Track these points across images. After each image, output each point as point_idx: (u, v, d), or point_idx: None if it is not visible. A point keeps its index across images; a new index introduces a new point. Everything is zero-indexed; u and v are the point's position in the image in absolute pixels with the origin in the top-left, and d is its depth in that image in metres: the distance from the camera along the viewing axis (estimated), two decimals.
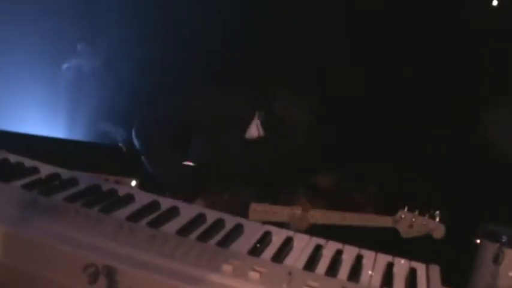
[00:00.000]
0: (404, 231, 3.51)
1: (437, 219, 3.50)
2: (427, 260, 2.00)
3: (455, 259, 3.70)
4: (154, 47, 4.66)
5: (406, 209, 3.51)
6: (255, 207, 3.34)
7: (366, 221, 3.48)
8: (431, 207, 3.46)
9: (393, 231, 3.47)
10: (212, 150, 3.38)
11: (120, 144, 3.74)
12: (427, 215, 3.50)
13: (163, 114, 3.38)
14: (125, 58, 4.74)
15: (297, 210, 3.39)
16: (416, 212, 3.52)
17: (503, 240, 3.59)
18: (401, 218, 3.51)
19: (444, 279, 1.95)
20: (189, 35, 4.52)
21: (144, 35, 4.67)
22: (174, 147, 3.44)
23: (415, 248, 3.36)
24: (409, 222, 3.51)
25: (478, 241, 3.73)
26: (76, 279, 1.54)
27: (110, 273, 1.52)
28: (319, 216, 3.44)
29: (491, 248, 3.64)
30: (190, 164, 3.38)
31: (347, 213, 3.47)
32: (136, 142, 3.37)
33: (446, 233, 3.66)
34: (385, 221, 3.50)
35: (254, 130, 3.38)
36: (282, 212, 3.38)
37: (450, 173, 3.99)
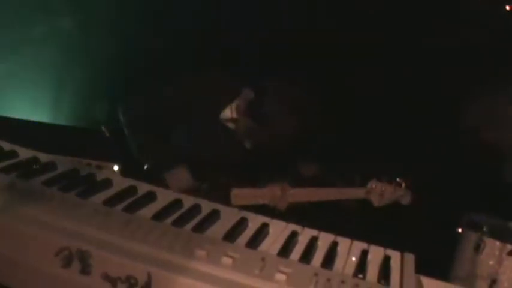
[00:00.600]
0: (377, 201, 3.60)
1: (403, 186, 3.60)
2: (408, 249, 2.04)
3: (437, 248, 3.77)
4: (144, 28, 4.66)
5: (375, 179, 3.60)
6: (236, 193, 3.36)
7: (341, 195, 3.56)
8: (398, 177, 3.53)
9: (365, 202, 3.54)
10: (194, 139, 3.38)
11: (103, 128, 3.75)
12: (394, 183, 3.59)
13: (149, 100, 3.37)
14: (114, 38, 4.74)
15: (277, 191, 3.43)
16: (385, 181, 3.61)
17: (485, 230, 3.64)
18: (372, 188, 3.60)
19: (425, 268, 1.99)
20: (181, 18, 4.52)
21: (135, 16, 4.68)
22: (158, 133, 3.44)
23: (397, 237, 3.41)
24: (379, 191, 3.60)
25: (460, 230, 3.78)
26: (49, 263, 1.55)
27: (84, 257, 1.54)
28: (298, 194, 3.49)
29: (473, 238, 3.69)
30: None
31: (324, 189, 3.52)
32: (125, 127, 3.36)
33: (429, 223, 3.72)
34: (358, 193, 3.58)
35: (228, 111, 3.41)
36: (263, 194, 3.41)
37: (433, 163, 4.03)
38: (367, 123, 4.29)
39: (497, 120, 3.41)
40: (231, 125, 3.41)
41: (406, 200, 3.65)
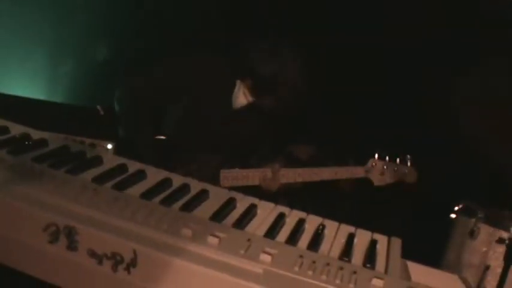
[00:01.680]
0: (377, 179, 3.59)
1: (409, 163, 3.58)
2: (400, 234, 2.07)
3: (429, 234, 3.81)
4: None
5: (376, 157, 3.58)
6: (225, 174, 3.38)
7: (337, 175, 3.55)
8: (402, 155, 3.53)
9: (366, 182, 3.54)
10: (192, 122, 3.40)
11: (97, 107, 3.77)
12: (397, 160, 3.58)
13: (145, 82, 3.37)
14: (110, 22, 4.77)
15: (267, 172, 3.44)
16: (387, 159, 3.60)
17: (480, 216, 3.67)
18: (372, 166, 3.59)
19: (417, 253, 2.02)
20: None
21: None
22: (151, 118, 3.45)
23: (390, 222, 3.44)
24: (380, 169, 3.59)
25: (454, 216, 3.81)
26: (37, 238, 1.59)
27: (71, 233, 1.57)
28: (290, 174, 3.49)
29: (467, 224, 3.72)
30: (162, 137, 3.41)
31: (318, 169, 3.53)
32: (116, 107, 3.38)
33: (422, 209, 3.75)
34: (357, 172, 3.57)
35: (242, 98, 3.40)
36: (253, 175, 3.43)
37: (427, 149, 4.05)
38: (364, 105, 4.31)
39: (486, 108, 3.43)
40: (252, 111, 3.39)
41: (411, 178, 3.65)
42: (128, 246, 1.55)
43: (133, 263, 1.55)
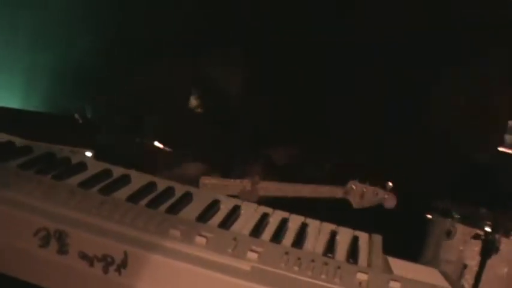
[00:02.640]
0: (356, 202, 3.68)
1: (388, 189, 3.67)
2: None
3: (407, 235, 3.90)
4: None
5: (357, 180, 3.67)
6: (205, 181, 3.45)
7: (316, 193, 3.63)
8: (383, 180, 3.62)
9: (345, 203, 3.62)
10: (160, 128, 3.47)
11: (75, 115, 3.81)
12: (378, 186, 3.66)
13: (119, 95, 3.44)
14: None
15: (247, 183, 3.51)
16: (367, 183, 3.69)
17: (455, 216, 3.78)
18: (352, 188, 3.67)
19: (396, 254, 2.10)
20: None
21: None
22: (128, 127, 3.52)
23: (368, 224, 3.52)
24: (360, 192, 3.67)
25: (430, 217, 3.92)
26: (28, 243, 1.64)
27: (61, 237, 1.62)
28: (270, 188, 3.56)
29: (444, 224, 3.83)
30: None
31: (298, 185, 3.60)
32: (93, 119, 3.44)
33: (399, 210, 3.84)
34: (336, 192, 3.65)
35: (194, 100, 3.49)
36: (232, 185, 3.50)
37: (403, 151, 4.15)
38: (337, 111, 4.40)
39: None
40: (200, 109, 3.49)
41: (390, 203, 3.74)
42: (118, 247, 1.61)
43: (123, 264, 1.60)
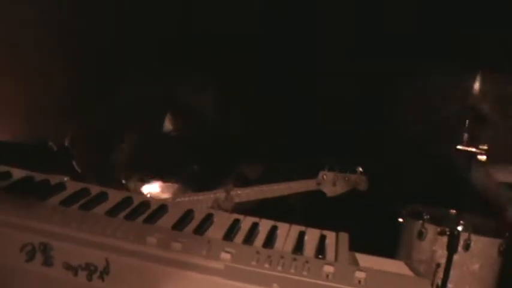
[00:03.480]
0: (329, 191, 3.84)
1: (359, 172, 3.84)
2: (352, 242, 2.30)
3: (379, 240, 4.06)
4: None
5: (326, 169, 3.84)
6: (177, 200, 3.58)
7: (291, 189, 3.78)
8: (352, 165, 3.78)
9: (319, 194, 3.77)
10: (133, 149, 3.60)
11: (50, 143, 3.93)
12: (348, 171, 3.83)
13: (93, 119, 3.58)
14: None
15: (220, 193, 3.65)
16: (337, 171, 3.86)
17: (426, 217, 3.96)
18: (323, 178, 3.83)
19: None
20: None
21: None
22: (103, 149, 3.65)
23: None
24: (331, 180, 3.84)
25: (402, 220, 4.09)
26: (14, 259, 1.77)
27: (46, 250, 1.76)
28: (244, 193, 3.70)
29: (415, 226, 4.00)
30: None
31: (272, 185, 3.75)
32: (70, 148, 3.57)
33: (370, 215, 4.02)
34: (309, 185, 3.81)
35: (168, 124, 3.63)
36: (206, 198, 3.63)
37: (371, 158, 4.34)
38: (310, 125, 4.58)
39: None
40: (175, 133, 3.65)
41: (362, 186, 3.92)
42: (100, 256, 1.76)
43: (106, 271, 1.75)
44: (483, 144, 3.41)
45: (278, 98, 4.54)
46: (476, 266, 3.89)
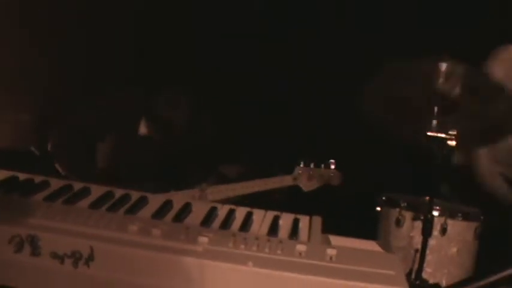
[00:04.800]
0: (305, 185, 3.98)
1: (333, 167, 3.99)
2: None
3: (358, 230, 4.20)
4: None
5: (302, 164, 3.98)
6: None
7: (267, 185, 3.91)
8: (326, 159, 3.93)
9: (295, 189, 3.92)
10: (111, 154, 3.73)
11: (31, 148, 4.04)
12: (322, 166, 3.98)
13: (74, 122, 3.71)
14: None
15: (195, 193, 3.77)
16: (312, 165, 4.00)
17: (402, 205, 4.11)
18: (299, 173, 3.98)
19: None
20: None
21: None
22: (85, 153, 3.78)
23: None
24: (307, 176, 3.98)
25: (379, 209, 4.24)
26: (3, 251, 1.90)
27: (33, 241, 1.89)
28: (219, 190, 3.83)
29: (392, 213, 4.15)
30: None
31: (248, 182, 3.88)
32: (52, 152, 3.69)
33: (348, 205, 4.17)
34: (285, 181, 3.95)
35: (143, 128, 3.76)
36: (181, 197, 3.76)
37: (348, 146, 4.49)
38: (278, 114, 4.73)
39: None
40: (149, 137, 3.78)
41: (336, 180, 4.07)
42: (84, 243, 1.88)
43: (91, 257, 1.88)
44: (452, 129, 3.55)
45: (250, 97, 4.69)
46: (454, 250, 4.04)
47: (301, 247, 2.01)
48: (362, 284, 1.89)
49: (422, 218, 3.75)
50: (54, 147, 3.61)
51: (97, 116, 3.68)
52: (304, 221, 2.35)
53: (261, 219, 2.32)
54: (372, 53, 4.57)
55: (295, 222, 2.30)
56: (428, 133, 3.52)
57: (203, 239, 1.97)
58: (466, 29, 4.57)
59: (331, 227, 2.50)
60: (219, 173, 4.27)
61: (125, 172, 3.71)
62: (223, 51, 4.71)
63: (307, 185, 4.07)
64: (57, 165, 3.63)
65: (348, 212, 4.42)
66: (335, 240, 2.27)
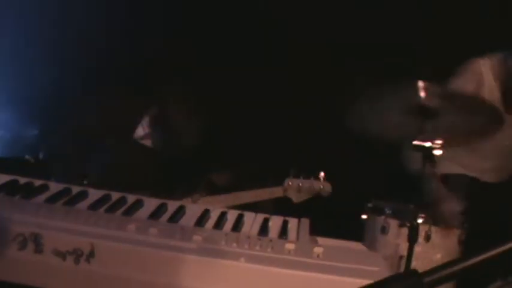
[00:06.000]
0: (295, 197, 4.08)
1: (322, 178, 4.10)
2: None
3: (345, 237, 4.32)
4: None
5: (291, 176, 4.09)
6: None
7: (258, 197, 4.01)
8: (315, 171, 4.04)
9: (286, 200, 4.03)
10: (107, 160, 3.84)
11: (26, 157, 4.14)
12: (312, 177, 4.09)
13: (67, 128, 3.82)
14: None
15: (187, 202, 3.87)
16: (302, 177, 4.11)
17: (388, 212, 4.23)
18: (289, 185, 4.07)
19: None
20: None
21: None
22: (78, 159, 3.88)
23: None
24: (297, 187, 4.08)
25: (365, 217, 4.36)
26: (8, 248, 2.02)
27: (36, 239, 2.01)
28: (209, 202, 3.92)
29: (378, 221, 4.27)
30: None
31: (238, 193, 3.98)
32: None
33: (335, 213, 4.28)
34: (275, 192, 4.04)
35: (140, 129, 3.86)
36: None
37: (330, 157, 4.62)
38: (268, 125, 4.86)
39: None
40: (146, 141, 3.90)
41: (326, 191, 4.17)
42: (85, 241, 2.00)
43: (91, 254, 2.00)
44: (438, 139, 3.67)
45: (241, 106, 4.81)
46: (438, 256, 4.16)
47: (290, 245, 2.14)
48: (348, 279, 2.02)
49: (408, 225, 3.86)
50: (47, 155, 3.72)
51: (89, 122, 3.79)
52: (293, 222, 2.47)
53: (252, 221, 2.44)
54: (356, 66, 4.72)
55: (285, 224, 2.42)
56: (415, 142, 3.63)
57: (197, 238, 2.10)
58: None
59: (318, 235, 2.63)
60: (208, 182, 4.37)
61: (118, 180, 3.82)
62: (215, 61, 4.83)
63: (297, 196, 4.15)
64: (51, 173, 3.73)
65: (334, 220, 4.53)
66: (322, 241, 2.40)
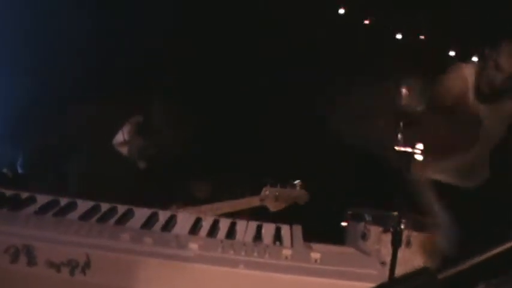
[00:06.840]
0: (272, 206, 4.07)
1: (298, 187, 4.10)
2: None
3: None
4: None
5: (268, 186, 4.08)
6: None
7: (235, 207, 4.00)
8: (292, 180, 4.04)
9: (263, 209, 4.02)
10: (87, 167, 3.79)
11: (4, 170, 4.07)
12: (288, 186, 4.09)
13: (44, 139, 3.76)
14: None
15: (176, 212, 3.83)
16: (278, 186, 4.11)
17: (368, 219, 4.25)
18: (266, 194, 4.07)
19: None
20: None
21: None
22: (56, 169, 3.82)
23: None
24: (274, 196, 4.08)
25: (345, 224, 4.37)
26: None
27: (29, 251, 1.95)
28: (189, 212, 3.89)
29: (358, 228, 4.29)
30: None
31: (216, 204, 3.97)
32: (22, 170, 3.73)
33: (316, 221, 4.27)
34: (253, 202, 4.04)
35: (120, 136, 3.83)
36: None
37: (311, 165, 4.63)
38: (245, 134, 4.85)
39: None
40: (123, 149, 3.84)
41: (302, 200, 4.18)
42: (80, 251, 1.95)
43: (87, 265, 1.95)
44: (419, 144, 3.70)
45: (218, 118, 4.80)
46: (419, 261, 4.18)
47: (286, 251, 2.11)
48: (348, 283, 2.00)
49: (391, 230, 3.87)
50: (25, 167, 3.65)
51: (68, 133, 3.74)
52: (285, 229, 2.45)
53: (244, 228, 2.42)
54: (335, 73, 4.74)
55: (278, 230, 2.40)
56: (396, 148, 3.65)
57: (194, 245, 2.06)
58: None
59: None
60: (186, 193, 4.34)
61: (97, 190, 3.77)
62: (196, 70, 4.81)
63: (274, 205, 4.15)
64: (30, 185, 3.66)
65: (315, 228, 4.53)
66: (316, 246, 2.39)
